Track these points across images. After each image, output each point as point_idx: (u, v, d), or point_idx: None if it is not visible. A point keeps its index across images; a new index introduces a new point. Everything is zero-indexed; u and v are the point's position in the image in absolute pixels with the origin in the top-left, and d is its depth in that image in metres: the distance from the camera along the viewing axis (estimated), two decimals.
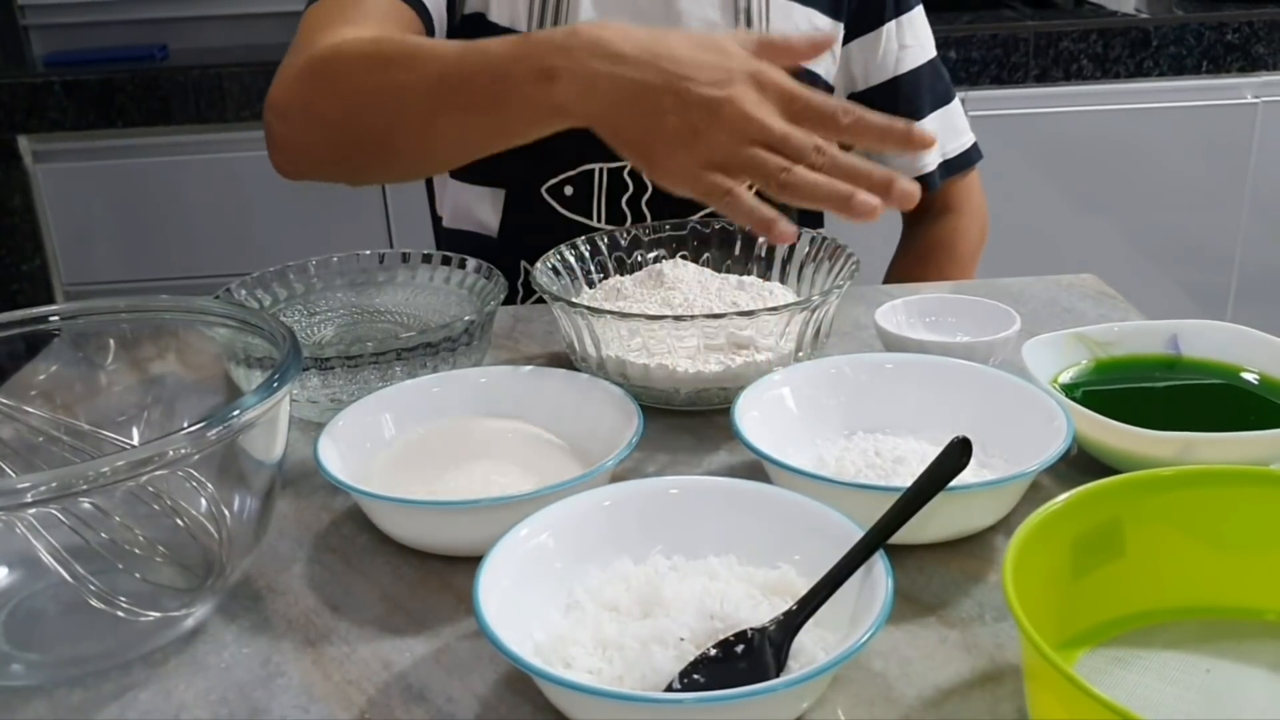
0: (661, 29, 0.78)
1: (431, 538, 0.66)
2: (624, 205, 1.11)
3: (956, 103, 1.23)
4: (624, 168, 1.11)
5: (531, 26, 1.08)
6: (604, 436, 0.71)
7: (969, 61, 1.97)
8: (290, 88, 0.92)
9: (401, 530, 0.67)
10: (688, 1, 1.09)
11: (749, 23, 1.09)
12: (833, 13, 1.14)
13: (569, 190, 1.11)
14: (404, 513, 0.66)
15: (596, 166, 1.10)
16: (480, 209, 1.15)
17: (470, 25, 1.10)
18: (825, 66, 1.15)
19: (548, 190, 1.11)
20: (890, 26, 1.16)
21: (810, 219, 1.23)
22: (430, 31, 1.05)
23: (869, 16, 1.15)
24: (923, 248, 1.25)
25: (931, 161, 1.20)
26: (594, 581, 0.59)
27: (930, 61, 1.19)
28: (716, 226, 0.97)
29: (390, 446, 0.73)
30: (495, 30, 1.09)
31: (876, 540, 0.56)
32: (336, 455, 0.69)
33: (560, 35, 0.78)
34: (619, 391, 0.75)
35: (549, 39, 0.78)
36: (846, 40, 1.15)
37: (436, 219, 1.26)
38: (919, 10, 1.19)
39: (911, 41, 1.17)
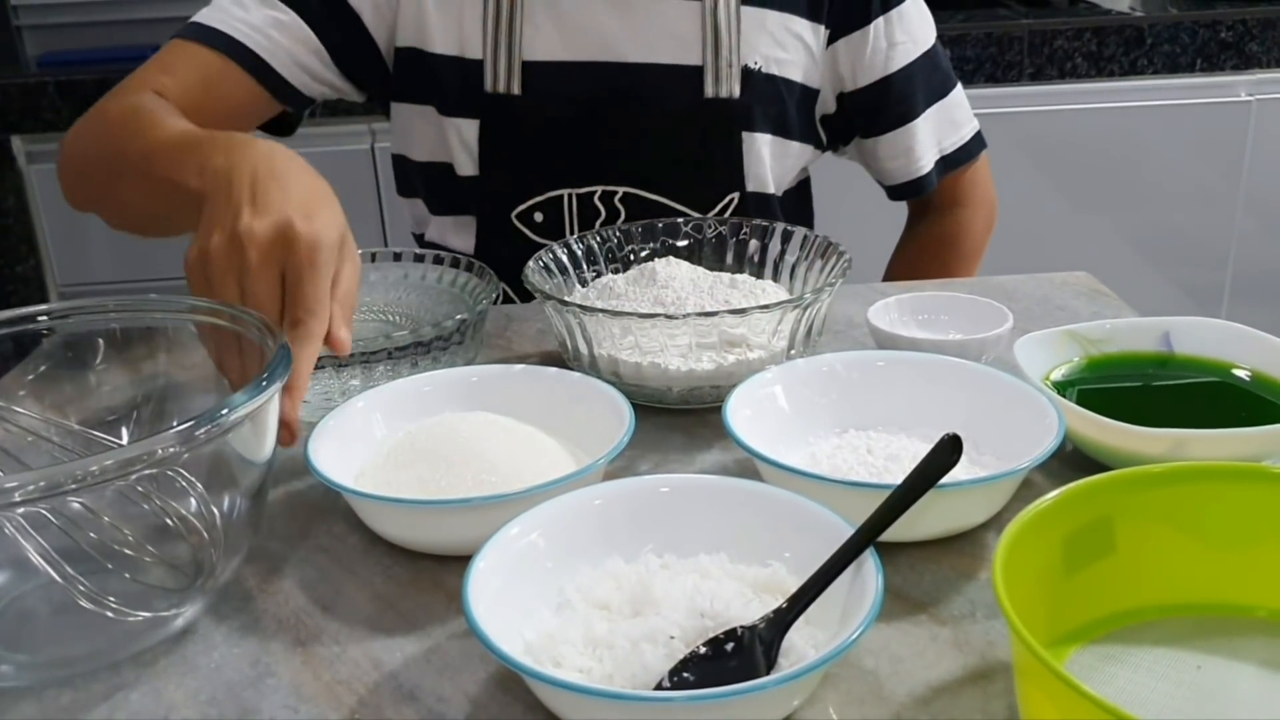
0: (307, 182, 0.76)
1: (423, 537, 0.66)
2: (596, 229, 1.10)
3: (957, 93, 1.19)
4: (593, 193, 1.09)
5: (485, 52, 1.06)
6: (596, 435, 0.71)
7: (963, 60, 1.97)
8: (72, 137, 1.01)
9: (393, 530, 0.67)
10: (649, 20, 1.06)
11: (716, 34, 1.06)
12: (811, 15, 1.10)
13: (539, 216, 1.10)
14: (395, 512, 0.66)
15: (565, 192, 1.09)
16: (455, 237, 1.15)
17: (407, 60, 1.09)
18: (804, 71, 1.11)
19: (518, 217, 1.10)
20: (878, 24, 1.11)
21: (802, 218, 1.23)
22: (276, 83, 1.06)
23: (853, 15, 1.11)
24: (926, 242, 1.24)
25: (928, 162, 1.18)
26: (585, 580, 0.59)
27: (925, 54, 1.15)
28: (709, 226, 0.97)
29: (381, 446, 0.73)
30: (436, 61, 1.07)
31: (867, 538, 0.56)
32: (327, 455, 0.69)
33: (238, 151, 0.77)
34: (611, 390, 0.75)
35: (227, 149, 0.77)
36: (831, 41, 1.12)
37: (417, 237, 1.24)
38: (910, 3, 1.14)
39: (903, 37, 1.13)
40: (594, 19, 1.06)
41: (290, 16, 1.05)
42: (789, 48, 1.10)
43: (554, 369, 0.79)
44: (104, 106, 1.00)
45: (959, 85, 1.20)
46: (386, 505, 0.66)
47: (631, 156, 1.09)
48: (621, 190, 1.09)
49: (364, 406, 0.75)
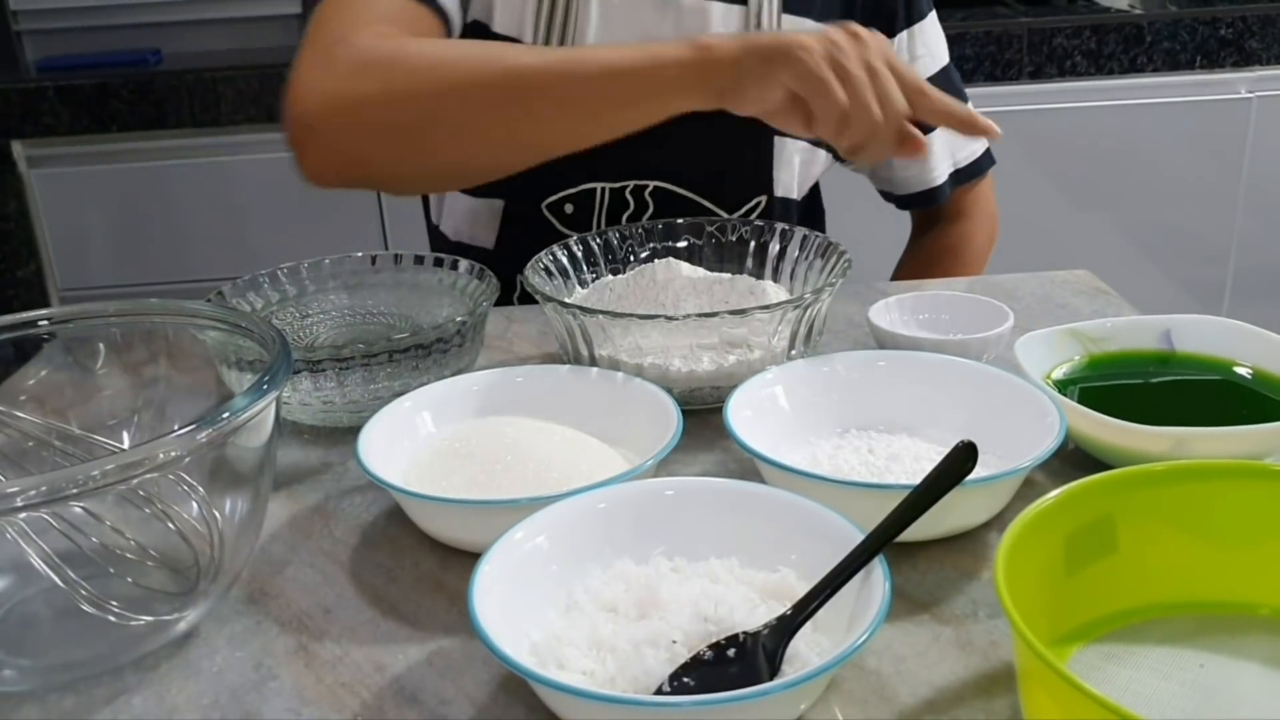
0: None
1: (486, 537, 0.62)
2: (624, 222, 1.10)
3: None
4: (625, 187, 1.09)
5: (537, 36, 1.06)
6: (641, 434, 0.71)
7: (963, 59, 1.97)
8: (340, 84, 0.88)
9: (453, 531, 0.67)
10: (697, 22, 1.06)
11: None
12: None
13: (569, 208, 1.10)
14: (464, 514, 0.65)
15: (599, 186, 1.09)
16: (477, 225, 1.15)
17: (473, 34, 1.08)
18: None
19: (548, 206, 1.10)
20: (901, 37, 1.14)
21: (816, 223, 1.24)
22: (449, 35, 1.04)
23: (879, 27, 1.11)
24: (930, 253, 1.25)
25: (942, 173, 1.19)
26: (595, 582, 0.59)
27: (943, 70, 1.17)
28: (709, 226, 0.96)
29: (427, 445, 0.72)
30: (495, 40, 1.07)
31: (875, 546, 0.56)
32: (376, 454, 0.69)
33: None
34: (657, 390, 0.75)
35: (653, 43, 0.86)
36: None
37: (433, 229, 1.24)
38: (931, 19, 1.17)
39: (923, 52, 1.16)
40: (641, 15, 1.07)
41: None
42: None
43: (597, 370, 0.79)
44: (387, 53, 0.89)
45: (970, 104, 1.20)
46: (456, 507, 0.65)
47: (666, 153, 1.08)
48: (652, 184, 1.09)
49: (411, 406, 0.75)
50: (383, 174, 0.95)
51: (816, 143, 1.13)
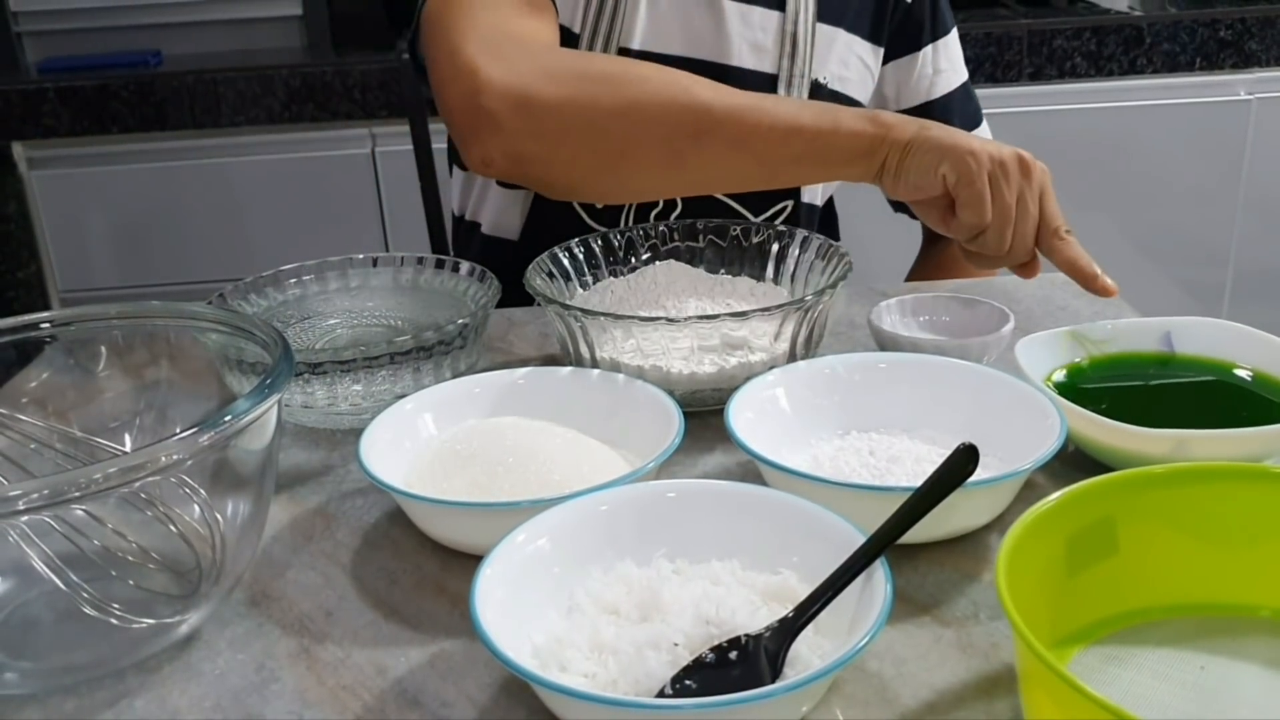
0: None
1: (489, 540, 0.62)
2: (651, 220, 1.10)
3: (984, 127, 1.23)
4: None
5: (584, 30, 1.06)
6: (643, 436, 0.71)
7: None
8: (535, 86, 0.87)
9: (455, 534, 0.67)
10: (738, 24, 1.08)
11: (794, 47, 1.09)
12: (873, 38, 1.14)
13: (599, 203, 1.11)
14: (465, 516, 0.65)
15: None
16: (502, 213, 1.14)
17: None
18: (862, 91, 1.14)
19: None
20: (927, 51, 1.16)
21: (831, 229, 1.24)
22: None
23: (906, 40, 1.15)
24: (943, 260, 1.26)
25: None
26: (596, 584, 0.59)
27: (963, 85, 1.19)
28: (710, 229, 0.96)
29: (429, 447, 0.73)
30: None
31: (876, 548, 0.56)
32: (378, 457, 0.69)
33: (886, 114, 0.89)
34: (658, 392, 0.75)
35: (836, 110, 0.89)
36: (883, 62, 1.16)
37: (456, 220, 1.24)
38: (954, 34, 1.18)
39: (946, 66, 1.17)
40: (687, 16, 1.08)
41: None
42: (851, 67, 1.13)
43: (598, 371, 0.79)
44: (580, 69, 0.90)
45: (985, 122, 1.23)
46: (464, 510, 0.65)
47: None
48: None
49: (412, 408, 0.75)
50: (553, 177, 0.94)
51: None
